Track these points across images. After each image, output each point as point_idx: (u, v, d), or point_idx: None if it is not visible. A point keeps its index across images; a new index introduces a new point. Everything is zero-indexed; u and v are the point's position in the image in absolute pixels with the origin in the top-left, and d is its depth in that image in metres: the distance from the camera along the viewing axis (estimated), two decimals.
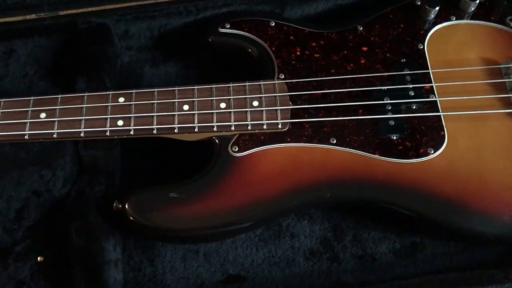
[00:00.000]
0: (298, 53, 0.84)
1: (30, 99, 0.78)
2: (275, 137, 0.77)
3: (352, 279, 0.77)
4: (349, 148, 0.76)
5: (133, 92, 0.78)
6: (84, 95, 0.78)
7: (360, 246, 0.79)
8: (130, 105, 0.77)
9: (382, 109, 0.78)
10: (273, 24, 0.86)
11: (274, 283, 0.77)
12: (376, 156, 0.75)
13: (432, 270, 0.77)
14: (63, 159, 0.83)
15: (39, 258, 0.77)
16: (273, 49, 0.84)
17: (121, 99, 0.78)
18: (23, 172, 0.82)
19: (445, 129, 0.77)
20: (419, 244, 0.79)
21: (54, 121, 0.76)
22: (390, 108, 0.78)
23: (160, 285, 0.77)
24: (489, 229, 0.73)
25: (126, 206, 0.72)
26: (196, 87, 0.79)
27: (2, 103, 0.78)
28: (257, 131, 0.77)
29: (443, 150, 0.76)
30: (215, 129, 0.77)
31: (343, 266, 0.77)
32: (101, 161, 0.80)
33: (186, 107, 0.78)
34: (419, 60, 0.82)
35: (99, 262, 0.73)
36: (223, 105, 0.78)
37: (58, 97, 0.78)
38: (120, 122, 0.76)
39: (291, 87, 0.80)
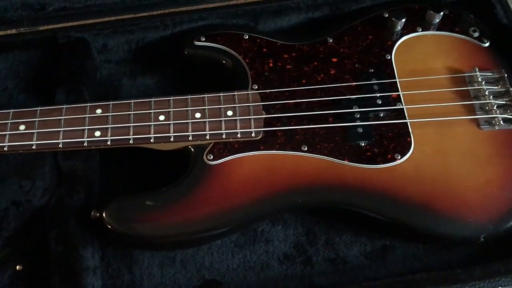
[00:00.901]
0: (271, 64, 0.86)
1: (10, 112, 0.80)
2: (249, 145, 0.79)
3: (325, 282, 0.79)
4: (320, 155, 0.79)
5: (110, 104, 0.80)
6: (63, 107, 0.80)
7: (332, 249, 0.81)
8: (107, 116, 0.79)
9: (351, 117, 0.81)
10: (247, 37, 0.89)
11: (249, 287, 0.79)
12: (346, 162, 0.78)
13: (402, 271, 0.79)
14: (42, 170, 0.84)
15: (17, 267, 0.78)
16: (247, 60, 0.87)
17: (99, 111, 0.80)
18: (2, 182, 0.83)
19: (411, 135, 0.80)
20: (389, 247, 0.81)
21: (33, 133, 0.78)
22: (358, 116, 0.81)
23: None
24: (455, 231, 0.76)
25: (104, 215, 0.74)
26: (172, 98, 0.81)
27: None
28: (231, 139, 0.79)
29: (409, 156, 0.78)
30: (190, 138, 0.79)
31: (316, 269, 0.80)
32: (80, 171, 0.82)
33: (162, 117, 0.80)
34: (387, 70, 0.85)
35: (77, 269, 0.74)
36: (198, 115, 0.80)
37: (37, 110, 0.80)
38: (97, 133, 0.78)
39: (264, 97, 0.83)
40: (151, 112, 0.80)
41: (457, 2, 0.95)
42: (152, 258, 0.80)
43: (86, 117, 0.79)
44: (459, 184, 0.77)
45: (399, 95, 0.83)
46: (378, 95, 0.83)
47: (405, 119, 0.81)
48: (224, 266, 0.80)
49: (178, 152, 0.80)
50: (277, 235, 0.82)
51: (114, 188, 0.85)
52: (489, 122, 0.81)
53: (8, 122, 0.79)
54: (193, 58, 0.90)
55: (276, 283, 0.79)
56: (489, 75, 0.84)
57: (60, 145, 0.78)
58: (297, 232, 0.82)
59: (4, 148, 0.78)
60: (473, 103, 0.82)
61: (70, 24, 0.93)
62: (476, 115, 0.81)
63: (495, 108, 0.81)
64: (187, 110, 0.81)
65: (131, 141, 0.78)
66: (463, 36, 0.89)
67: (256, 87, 0.84)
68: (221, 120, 0.80)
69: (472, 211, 0.76)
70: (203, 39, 0.89)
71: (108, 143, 0.78)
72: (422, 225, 0.76)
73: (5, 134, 0.78)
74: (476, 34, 0.89)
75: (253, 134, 0.80)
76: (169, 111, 0.80)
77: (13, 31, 0.93)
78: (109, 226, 0.74)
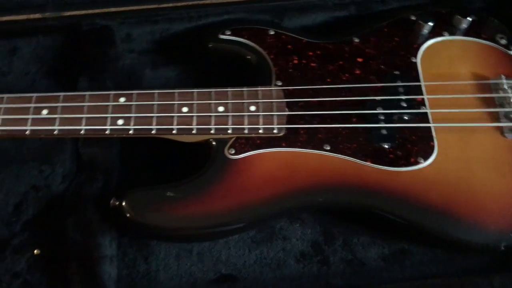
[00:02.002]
0: (296, 61, 0.86)
1: (33, 96, 0.80)
2: (271, 141, 0.79)
3: (341, 283, 0.78)
4: (342, 155, 0.78)
5: (134, 93, 0.80)
6: (86, 94, 0.80)
7: (349, 250, 0.81)
8: (131, 105, 0.79)
9: (375, 118, 0.81)
10: (272, 33, 0.89)
11: (265, 284, 0.78)
12: (368, 164, 0.78)
13: (419, 276, 0.78)
14: (62, 156, 0.84)
15: (36, 251, 0.78)
16: (272, 56, 0.86)
17: (122, 99, 0.80)
18: (23, 167, 0.83)
19: (435, 140, 0.79)
20: (407, 251, 0.81)
21: (55, 118, 0.78)
22: (382, 117, 0.81)
23: (153, 283, 0.78)
24: (475, 238, 0.75)
25: (123, 203, 0.74)
26: (195, 90, 0.81)
27: (5, 98, 0.79)
28: (253, 135, 0.79)
29: (432, 160, 0.78)
30: (212, 131, 0.79)
31: (333, 270, 0.79)
32: (100, 159, 0.82)
33: (185, 109, 0.80)
34: (412, 73, 0.85)
35: (94, 257, 0.74)
36: (221, 108, 0.80)
37: (60, 95, 0.80)
38: (120, 122, 0.78)
39: (287, 94, 0.82)
40: (174, 104, 0.80)
41: (485, 8, 0.95)
42: (169, 250, 0.80)
43: (109, 105, 0.79)
44: (481, 191, 0.77)
45: (423, 98, 0.83)
46: (403, 97, 0.82)
47: (429, 123, 0.81)
48: (240, 261, 0.80)
49: (198, 144, 0.80)
50: (294, 233, 0.82)
51: (132, 178, 0.85)
52: None
53: (31, 106, 0.79)
54: (217, 51, 0.89)
55: (291, 281, 0.78)
56: None
57: (82, 132, 0.78)
58: (315, 231, 0.82)
59: (26, 132, 0.77)
60: (497, 111, 0.82)
61: (95, 11, 0.92)
62: (500, 122, 0.81)
63: None
64: (211, 103, 0.80)
65: (153, 131, 0.78)
66: (489, 43, 0.89)
67: (280, 84, 0.84)
68: (244, 115, 0.80)
69: (494, 219, 0.75)
70: (228, 33, 0.88)
71: (131, 132, 0.78)
72: (442, 230, 0.75)
73: (28, 118, 0.78)
74: (503, 41, 0.88)
75: (275, 131, 0.79)
76: (192, 103, 0.80)
77: (38, 15, 0.92)
78: (128, 215, 0.73)
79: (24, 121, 0.78)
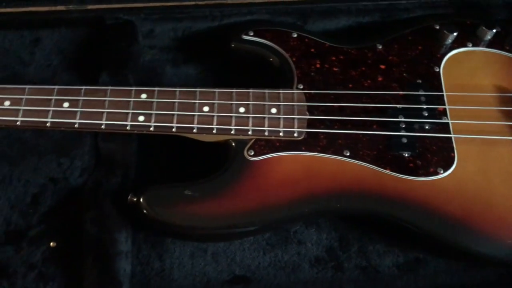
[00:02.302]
0: (318, 65, 0.86)
1: (55, 88, 0.79)
2: (290, 145, 0.79)
3: None
4: (362, 161, 0.78)
5: (155, 90, 0.80)
6: (108, 89, 0.80)
7: (364, 257, 0.80)
8: (152, 102, 0.79)
9: (395, 126, 0.80)
10: (295, 36, 0.88)
11: (278, 287, 0.78)
12: (388, 171, 0.77)
13: (432, 286, 0.79)
14: (82, 149, 0.84)
15: (51, 244, 0.78)
16: (294, 59, 0.86)
17: (144, 96, 0.80)
18: (41, 158, 0.84)
19: (455, 151, 0.79)
20: (422, 260, 0.80)
21: (76, 111, 0.78)
22: (403, 126, 0.80)
23: (167, 280, 0.78)
24: (492, 251, 0.75)
25: (141, 200, 0.73)
26: (217, 90, 0.81)
27: (27, 89, 0.79)
28: (273, 137, 0.79)
29: (452, 171, 0.78)
30: (233, 132, 0.78)
31: (347, 276, 0.79)
32: (119, 155, 0.82)
33: (206, 108, 0.80)
34: (434, 82, 0.85)
35: (111, 253, 0.74)
36: (242, 109, 0.80)
37: (82, 88, 0.80)
38: (141, 118, 0.78)
39: (309, 97, 0.82)
40: (196, 102, 0.80)
41: (509, 20, 0.94)
42: (184, 248, 0.80)
43: (130, 100, 0.79)
44: (499, 204, 0.76)
45: (445, 109, 0.82)
46: (425, 106, 0.82)
47: (450, 133, 0.80)
48: (255, 263, 0.80)
49: (217, 144, 0.80)
50: (310, 238, 0.82)
51: (149, 175, 0.85)
52: None
53: (52, 98, 0.78)
54: (239, 52, 0.89)
55: (305, 286, 0.78)
56: None
57: (103, 126, 0.78)
58: (330, 236, 0.82)
59: (47, 124, 0.77)
60: None
61: (119, 5, 0.92)
62: None
63: None
64: (232, 103, 0.80)
65: (174, 129, 0.78)
66: None
67: (302, 87, 0.83)
68: (264, 117, 0.79)
69: (511, 233, 0.75)
70: (251, 34, 0.88)
71: (151, 129, 0.78)
72: (458, 242, 0.75)
73: (49, 110, 0.78)
74: None
75: (295, 134, 0.79)
76: (213, 103, 0.80)
77: (62, 7, 0.92)
78: (145, 212, 0.73)
79: (45, 113, 0.78)
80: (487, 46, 0.89)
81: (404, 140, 0.80)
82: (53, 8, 0.93)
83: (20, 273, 0.76)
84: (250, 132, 0.79)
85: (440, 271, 0.80)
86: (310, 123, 0.80)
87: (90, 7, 0.92)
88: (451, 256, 0.80)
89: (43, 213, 0.80)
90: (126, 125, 0.78)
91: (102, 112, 0.78)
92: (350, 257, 0.80)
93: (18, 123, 0.77)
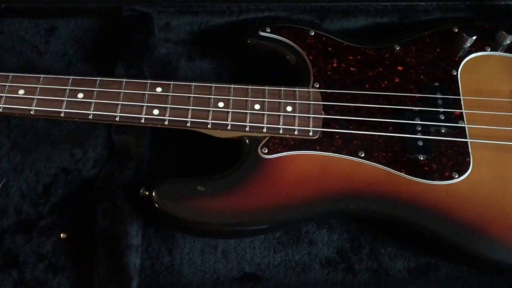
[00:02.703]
0: (335, 64, 0.85)
1: (69, 78, 0.79)
2: (305, 143, 0.78)
3: None
4: (377, 163, 0.77)
5: (171, 84, 0.80)
6: (123, 81, 0.79)
7: (376, 260, 0.80)
8: (167, 95, 0.79)
9: (412, 129, 0.80)
10: (313, 34, 0.88)
11: (288, 287, 0.78)
12: (402, 174, 0.77)
13: None
14: (95, 141, 0.84)
15: (62, 235, 0.78)
16: (311, 58, 0.85)
17: (159, 89, 0.79)
18: (54, 148, 0.83)
19: (471, 155, 0.78)
20: (433, 265, 0.80)
21: (91, 103, 0.77)
22: (420, 129, 0.80)
23: (176, 275, 0.78)
24: (505, 258, 0.74)
25: (153, 193, 0.73)
26: (232, 86, 0.80)
27: (41, 78, 0.79)
28: (288, 135, 0.78)
29: (467, 176, 0.77)
30: (247, 129, 0.78)
31: (358, 278, 0.79)
32: (132, 147, 0.81)
33: (221, 104, 0.79)
34: (452, 86, 0.84)
35: (122, 246, 0.74)
36: (257, 106, 0.79)
37: (97, 79, 0.79)
38: (155, 111, 0.78)
39: (325, 97, 0.81)
40: (211, 98, 0.79)
41: None
42: (194, 244, 0.80)
43: (145, 93, 0.78)
44: None
45: (462, 113, 0.81)
46: (442, 110, 0.81)
47: (466, 138, 0.80)
48: (265, 262, 0.79)
49: (231, 140, 0.79)
50: (321, 238, 0.81)
51: (161, 168, 0.85)
52: None
53: (67, 89, 0.78)
54: (255, 48, 0.88)
55: (315, 287, 0.78)
56: None
57: (117, 119, 0.77)
58: (342, 238, 0.81)
59: (61, 114, 0.77)
60: None
61: None
62: None
63: None
64: (247, 100, 0.79)
65: (188, 124, 0.77)
66: None
67: (318, 86, 0.83)
68: (279, 115, 0.79)
69: None
70: (268, 30, 0.87)
71: (166, 122, 0.77)
72: (472, 247, 0.74)
73: (63, 100, 0.77)
74: None
75: (310, 133, 0.78)
76: (228, 99, 0.79)
77: None
78: (157, 206, 0.73)
79: (59, 103, 0.77)
80: (506, 51, 0.88)
81: (420, 143, 0.79)
82: None
83: (30, 263, 0.76)
84: (264, 130, 0.78)
85: (452, 277, 0.79)
86: (326, 123, 0.79)
87: None
88: (464, 262, 0.80)
89: (54, 203, 0.80)
90: (141, 118, 0.77)
91: (117, 104, 0.77)
92: (361, 259, 0.80)
93: (32, 112, 0.77)
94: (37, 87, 0.78)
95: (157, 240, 0.80)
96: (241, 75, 0.94)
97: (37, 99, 0.77)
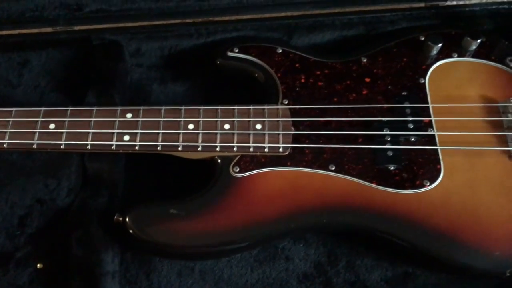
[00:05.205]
0: (303, 80, 0.86)
1: (41, 110, 0.80)
2: (276, 160, 0.79)
3: None
4: (348, 175, 0.78)
5: (141, 109, 0.81)
6: (93, 109, 0.81)
7: (353, 272, 0.80)
8: (137, 121, 0.80)
9: (381, 139, 0.80)
10: (280, 51, 0.89)
11: None
12: (373, 185, 0.77)
13: None
14: (68, 170, 0.84)
15: (38, 265, 0.78)
16: (279, 75, 0.86)
17: (129, 115, 0.80)
18: (29, 179, 0.84)
19: (441, 162, 0.79)
20: (411, 274, 0.80)
21: (62, 133, 0.79)
22: (389, 139, 0.80)
23: None
24: (479, 263, 0.74)
25: (127, 219, 0.74)
26: (202, 107, 0.81)
27: (13, 111, 0.80)
28: (258, 153, 0.79)
29: (438, 183, 0.77)
30: (218, 149, 0.79)
31: None
32: (105, 174, 0.82)
33: (191, 126, 0.80)
34: (420, 94, 0.84)
35: (97, 273, 0.74)
36: (227, 126, 0.80)
37: (67, 109, 0.81)
38: (126, 137, 0.79)
39: (294, 112, 0.82)
40: (181, 120, 0.80)
41: (495, 30, 0.94)
42: (171, 267, 0.80)
43: (116, 120, 0.80)
44: (487, 216, 0.76)
45: (431, 120, 0.82)
46: (410, 119, 0.82)
47: (436, 145, 0.80)
48: (242, 280, 0.80)
49: (203, 161, 0.80)
50: (298, 254, 0.81)
51: (137, 193, 0.85)
52: None
53: (38, 120, 0.79)
54: (225, 68, 0.90)
55: None
56: None
57: (89, 147, 0.78)
58: (318, 252, 0.82)
59: (33, 146, 0.78)
60: (505, 134, 0.81)
61: (105, 26, 0.93)
62: (508, 146, 0.80)
63: None
64: (217, 120, 0.80)
65: (159, 148, 0.78)
66: (499, 65, 0.88)
67: (286, 102, 0.84)
68: (249, 133, 0.80)
69: (499, 245, 0.74)
70: (236, 50, 0.89)
71: (136, 148, 0.78)
72: (446, 254, 0.75)
73: (35, 132, 0.79)
74: None
75: (280, 150, 0.79)
76: (198, 120, 0.80)
77: (49, 29, 0.93)
78: (131, 232, 0.74)
79: (31, 135, 0.78)
80: (473, 57, 0.89)
81: (390, 153, 0.79)
82: (41, 30, 0.94)
83: None
84: (235, 149, 0.79)
85: (430, 284, 0.79)
86: (295, 138, 0.80)
87: (77, 28, 0.93)
88: (440, 269, 0.80)
89: (30, 234, 0.80)
90: (112, 145, 0.78)
91: (88, 133, 0.79)
92: (338, 272, 0.80)
93: (4, 145, 0.78)
94: (10, 120, 0.80)
95: (134, 265, 0.80)
96: (213, 95, 0.95)
97: (9, 132, 0.79)
